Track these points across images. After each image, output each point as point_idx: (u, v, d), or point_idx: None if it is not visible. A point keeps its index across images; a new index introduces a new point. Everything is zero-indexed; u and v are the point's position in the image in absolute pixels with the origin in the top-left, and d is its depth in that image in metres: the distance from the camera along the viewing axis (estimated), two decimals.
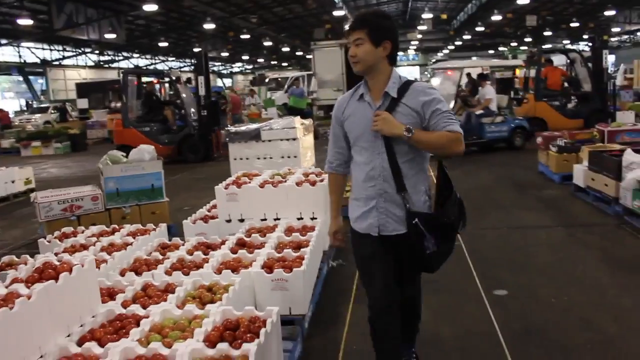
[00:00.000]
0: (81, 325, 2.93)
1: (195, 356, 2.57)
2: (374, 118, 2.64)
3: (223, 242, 4.38)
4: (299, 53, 45.48)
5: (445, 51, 52.95)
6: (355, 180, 2.85)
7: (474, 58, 45.80)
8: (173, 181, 7.52)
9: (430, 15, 35.88)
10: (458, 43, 47.83)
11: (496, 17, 29.82)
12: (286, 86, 24.94)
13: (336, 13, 29.09)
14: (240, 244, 4.34)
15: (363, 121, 2.71)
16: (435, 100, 2.63)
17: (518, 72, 20.38)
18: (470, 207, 7.51)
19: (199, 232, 5.02)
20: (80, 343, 2.77)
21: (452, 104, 11.51)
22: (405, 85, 2.70)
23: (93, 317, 3.02)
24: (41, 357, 2.62)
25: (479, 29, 37.40)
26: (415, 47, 53.00)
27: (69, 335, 2.82)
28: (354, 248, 2.91)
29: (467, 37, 43.22)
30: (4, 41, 28.97)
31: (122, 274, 3.83)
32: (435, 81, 13.43)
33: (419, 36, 44.54)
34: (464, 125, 11.54)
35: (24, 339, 2.58)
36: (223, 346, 2.62)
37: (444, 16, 39.00)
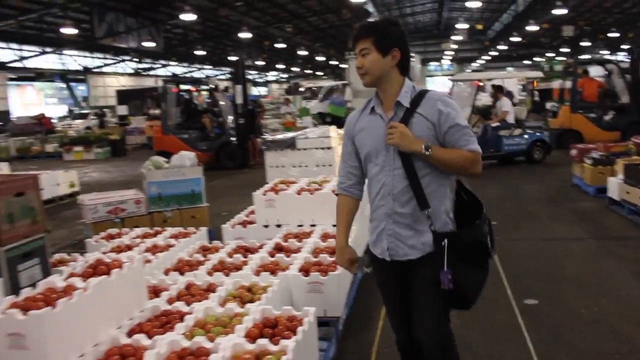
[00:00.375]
0: (130, 319, 3.13)
1: (237, 350, 2.73)
2: (388, 130, 2.44)
3: (261, 246, 4.55)
4: (334, 62, 45.70)
5: (481, 61, 52.69)
6: (370, 200, 2.66)
7: (509, 69, 45.46)
8: (210, 187, 7.75)
9: (465, 26, 35.76)
10: (493, 53, 47.52)
11: (532, 28, 29.59)
12: (321, 95, 25.21)
13: None
14: (278, 248, 4.50)
15: (375, 135, 2.52)
16: (454, 112, 2.44)
17: (536, 83, 20.27)
18: (504, 218, 7.54)
19: (238, 237, 5.17)
20: (129, 334, 2.97)
21: (467, 115, 11.42)
22: (420, 95, 2.48)
23: (141, 311, 3.22)
24: (95, 345, 2.83)
25: (515, 39, 37.09)
26: (450, 58, 52.85)
27: (119, 327, 3.02)
28: (374, 273, 2.74)
29: (502, 47, 42.90)
30: (48, 49, 29.87)
31: (166, 273, 4.04)
32: (456, 92, 13.35)
33: (454, 46, 44.38)
34: (481, 138, 11.47)
35: (80, 328, 2.79)
36: (263, 342, 2.77)
37: (480, 26, 38.84)
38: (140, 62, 40.44)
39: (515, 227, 6.90)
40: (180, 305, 3.30)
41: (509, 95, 17.04)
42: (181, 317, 3.13)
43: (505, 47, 42.42)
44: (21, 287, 3.20)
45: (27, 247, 3.91)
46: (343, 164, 2.73)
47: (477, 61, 52.92)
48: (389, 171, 2.49)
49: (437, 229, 2.44)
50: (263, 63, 44.32)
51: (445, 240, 2.40)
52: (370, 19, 2.44)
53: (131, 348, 2.80)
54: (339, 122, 15.41)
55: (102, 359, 2.75)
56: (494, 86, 13.08)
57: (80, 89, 40.76)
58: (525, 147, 11.80)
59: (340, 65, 39.41)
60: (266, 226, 5.38)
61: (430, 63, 55.51)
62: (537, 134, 12.08)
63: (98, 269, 3.19)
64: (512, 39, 37.03)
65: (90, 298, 2.85)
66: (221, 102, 14.22)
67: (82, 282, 2.97)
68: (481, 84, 13.17)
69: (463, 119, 2.47)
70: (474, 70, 48.39)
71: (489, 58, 50.14)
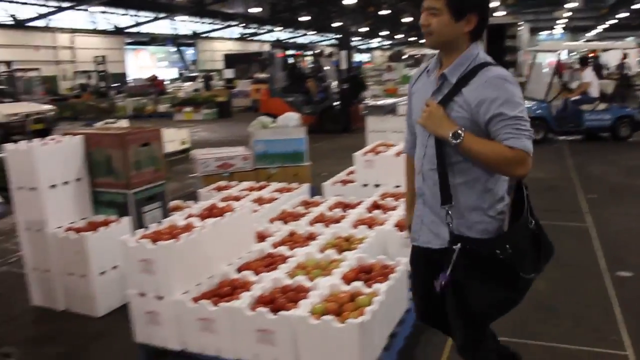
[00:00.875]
0: (239, 258, 3.50)
1: (333, 290, 3.02)
2: (423, 107, 2.11)
3: (359, 203, 4.79)
4: None
5: (599, 30, 49.58)
6: None
7: (629, 39, 42.63)
8: (312, 148, 8.05)
9: None
10: (612, 22, 44.62)
11: None
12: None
13: None
14: (375, 205, 4.72)
15: (422, 101, 2.17)
16: (501, 99, 1.97)
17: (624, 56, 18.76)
18: (605, 191, 7.33)
19: (337, 194, 5.45)
20: (239, 270, 3.34)
21: (546, 86, 10.88)
22: (474, 70, 2.04)
23: (248, 252, 3.59)
24: (210, 277, 3.22)
25: (638, 6, 34.58)
26: (563, 26, 50.13)
27: (230, 264, 3.40)
28: None
29: (622, 15, 40.14)
30: (161, 15, 31.36)
31: (271, 222, 4.39)
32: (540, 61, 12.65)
33: (568, 14, 42.07)
34: (560, 112, 10.90)
35: (198, 260, 3.18)
36: (357, 284, 3.05)
37: None
38: (246, 27, 41.55)
39: (617, 201, 6.73)
40: (283, 250, 3.63)
41: (598, 67, 16.03)
42: (284, 260, 3.46)
43: (626, 15, 39.67)
44: (145, 226, 3.66)
45: (150, 192, 4.42)
46: (406, 122, 2.46)
47: (593, 30, 49.94)
48: (422, 147, 2.20)
49: (455, 228, 2.09)
50: (367, 29, 44.19)
51: (459, 245, 2.05)
52: None
53: (239, 282, 3.17)
54: None
55: (215, 289, 3.14)
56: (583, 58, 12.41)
57: (189, 53, 42.63)
58: (610, 123, 10.84)
59: None
60: (365, 185, 5.61)
61: (541, 33, 53.05)
62: (625, 109, 11.08)
63: (213, 212, 3.58)
64: (634, 6, 34.57)
65: (206, 235, 3.23)
66: (325, 67, 14.52)
67: (200, 221, 3.36)
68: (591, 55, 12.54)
69: (516, 106, 1.98)
70: (587, 41, 45.79)
71: (607, 26, 47.17)
